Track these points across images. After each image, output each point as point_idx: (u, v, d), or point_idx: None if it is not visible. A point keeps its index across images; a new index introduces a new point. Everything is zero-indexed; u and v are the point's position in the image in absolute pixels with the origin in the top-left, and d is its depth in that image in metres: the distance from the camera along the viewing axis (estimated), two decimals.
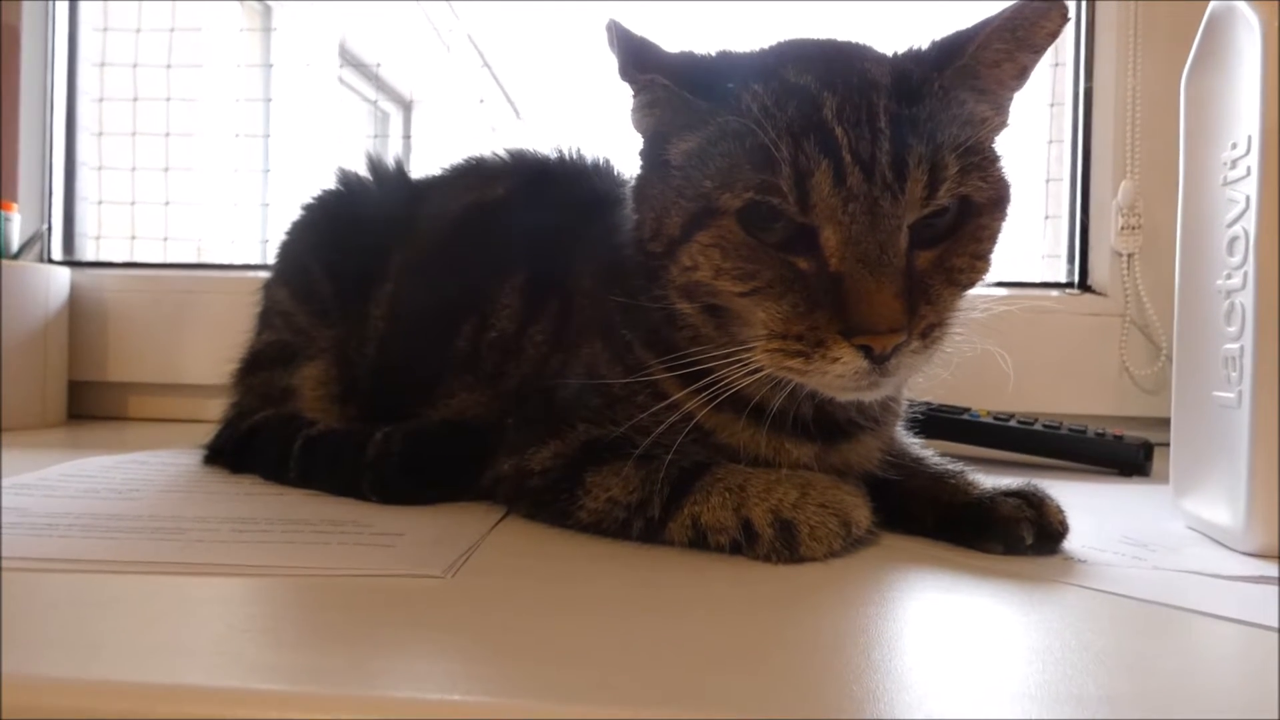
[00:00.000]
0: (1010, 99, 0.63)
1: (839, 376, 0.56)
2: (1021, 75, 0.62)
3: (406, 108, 2.35)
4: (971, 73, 0.60)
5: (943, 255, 0.59)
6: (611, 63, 0.62)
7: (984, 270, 0.61)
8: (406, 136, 2.39)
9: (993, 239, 0.61)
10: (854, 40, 0.64)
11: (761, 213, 0.57)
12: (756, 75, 0.59)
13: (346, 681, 0.38)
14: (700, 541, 0.59)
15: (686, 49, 0.62)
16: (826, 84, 0.57)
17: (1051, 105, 1.38)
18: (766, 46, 0.64)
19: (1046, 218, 1.39)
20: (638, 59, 0.61)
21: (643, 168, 0.67)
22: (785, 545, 0.57)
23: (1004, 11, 0.59)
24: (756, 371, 0.59)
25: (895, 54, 0.62)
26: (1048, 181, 1.40)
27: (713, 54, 0.63)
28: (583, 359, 0.71)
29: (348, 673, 0.39)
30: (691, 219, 0.59)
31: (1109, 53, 1.28)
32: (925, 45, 0.61)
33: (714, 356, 0.60)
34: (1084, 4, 1.32)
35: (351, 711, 0.36)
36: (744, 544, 0.58)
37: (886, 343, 0.55)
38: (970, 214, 0.59)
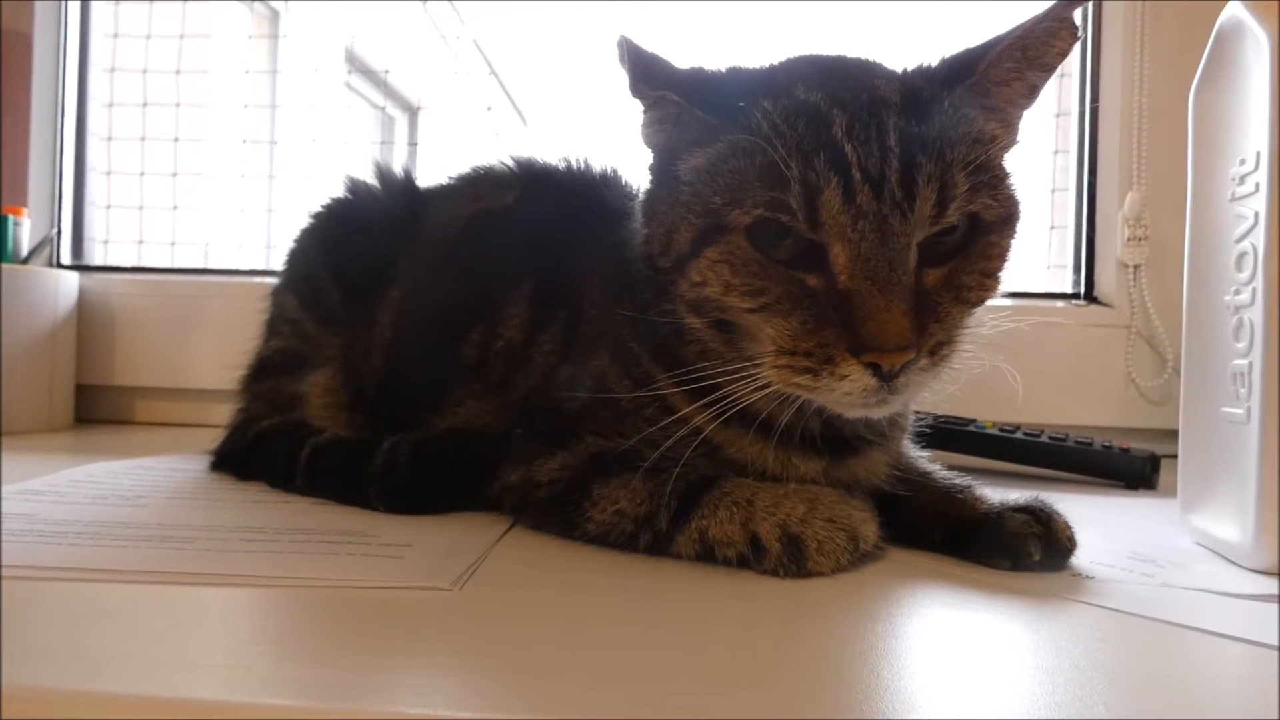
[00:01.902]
0: (1020, 116, 0.63)
1: (847, 394, 0.56)
2: (1031, 94, 0.62)
3: (412, 113, 2.36)
4: (981, 91, 0.60)
5: (952, 273, 0.59)
6: (621, 75, 0.62)
7: (993, 288, 0.61)
8: (413, 143, 2.40)
9: (1002, 257, 0.61)
10: (864, 57, 0.64)
11: (771, 229, 0.57)
12: (766, 92, 0.59)
13: (356, 696, 0.38)
14: (707, 555, 0.59)
15: (696, 65, 0.63)
16: (836, 101, 0.57)
17: (1058, 115, 1.38)
18: (776, 63, 0.64)
19: (1052, 228, 1.39)
20: (648, 75, 0.61)
21: (652, 182, 0.67)
22: (793, 560, 0.57)
23: (1014, 30, 0.59)
24: (765, 387, 0.59)
25: (905, 71, 0.62)
26: (1053, 191, 1.39)
27: (723, 70, 0.63)
28: (591, 371, 0.71)
29: (358, 688, 0.39)
30: (701, 235, 0.60)
31: (1115, 63, 1.28)
32: (935, 62, 0.61)
33: (722, 372, 0.60)
34: (1090, 14, 1.32)
35: None
36: (751, 558, 0.58)
37: (895, 360, 0.55)
38: (979, 232, 0.59)
